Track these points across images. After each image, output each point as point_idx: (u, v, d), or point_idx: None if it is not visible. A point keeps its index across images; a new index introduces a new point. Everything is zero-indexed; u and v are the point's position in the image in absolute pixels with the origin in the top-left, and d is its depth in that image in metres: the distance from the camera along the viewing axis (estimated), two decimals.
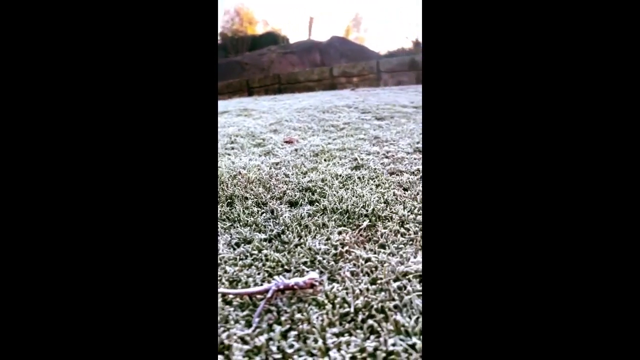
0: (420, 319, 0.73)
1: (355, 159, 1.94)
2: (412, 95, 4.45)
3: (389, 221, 1.21)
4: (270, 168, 1.88)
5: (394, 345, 0.66)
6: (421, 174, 1.67)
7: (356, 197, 1.42)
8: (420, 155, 1.97)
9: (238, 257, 1.03)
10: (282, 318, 0.75)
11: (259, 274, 0.94)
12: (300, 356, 0.65)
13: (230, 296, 0.84)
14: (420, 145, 2.18)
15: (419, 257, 0.98)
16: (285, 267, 0.96)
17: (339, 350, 0.66)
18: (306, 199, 1.45)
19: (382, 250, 1.03)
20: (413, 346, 0.66)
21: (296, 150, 2.22)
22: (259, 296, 0.83)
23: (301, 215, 1.28)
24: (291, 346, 0.67)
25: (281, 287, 0.82)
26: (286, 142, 2.45)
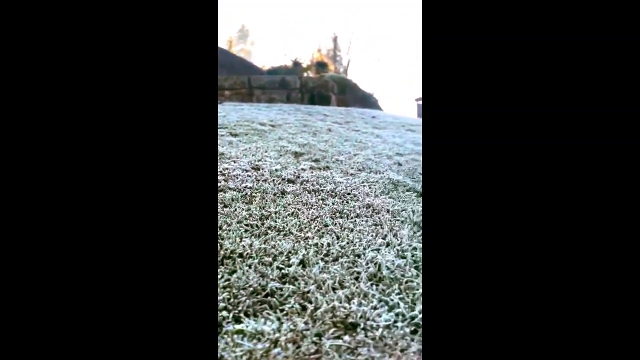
0: None
1: None
2: (274, 113, 4.69)
3: None
4: None
5: None
6: (251, 191, 1.79)
7: None
8: (255, 172, 2.11)
9: None
10: None
11: None
12: None
13: None
14: (259, 162, 2.32)
15: None
16: None
17: None
18: None
19: None
20: None
21: None
22: None
23: None
24: None
25: None
26: None
